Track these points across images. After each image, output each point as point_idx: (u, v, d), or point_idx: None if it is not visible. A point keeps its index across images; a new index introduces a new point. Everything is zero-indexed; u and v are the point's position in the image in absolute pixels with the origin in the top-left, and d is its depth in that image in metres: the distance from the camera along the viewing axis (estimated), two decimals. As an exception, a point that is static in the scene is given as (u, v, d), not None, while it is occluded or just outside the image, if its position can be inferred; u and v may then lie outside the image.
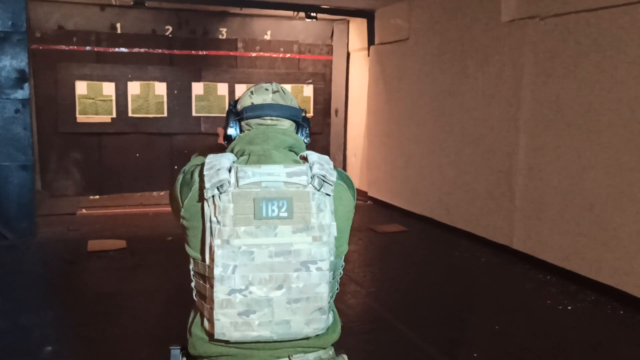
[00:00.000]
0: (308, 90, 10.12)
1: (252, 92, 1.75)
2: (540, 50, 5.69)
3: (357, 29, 9.72)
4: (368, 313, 4.61)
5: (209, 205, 1.47)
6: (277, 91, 1.75)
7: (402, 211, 8.31)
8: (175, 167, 9.68)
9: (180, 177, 1.64)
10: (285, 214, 1.47)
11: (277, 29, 10.01)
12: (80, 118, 8.93)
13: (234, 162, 1.55)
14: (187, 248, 1.60)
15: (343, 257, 1.67)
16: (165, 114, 9.38)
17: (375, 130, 9.06)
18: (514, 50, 6.01)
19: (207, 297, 1.50)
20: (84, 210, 8.16)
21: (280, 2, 8.42)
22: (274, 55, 9.95)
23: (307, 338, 1.55)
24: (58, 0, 8.76)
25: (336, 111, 10.39)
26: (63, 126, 8.91)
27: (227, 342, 1.52)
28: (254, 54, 9.82)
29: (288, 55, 10.02)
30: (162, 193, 9.53)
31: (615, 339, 4.17)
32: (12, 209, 6.50)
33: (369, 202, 9.37)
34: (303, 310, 1.49)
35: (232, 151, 1.65)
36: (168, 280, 5.37)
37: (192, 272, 1.59)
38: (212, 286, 1.46)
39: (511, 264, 5.91)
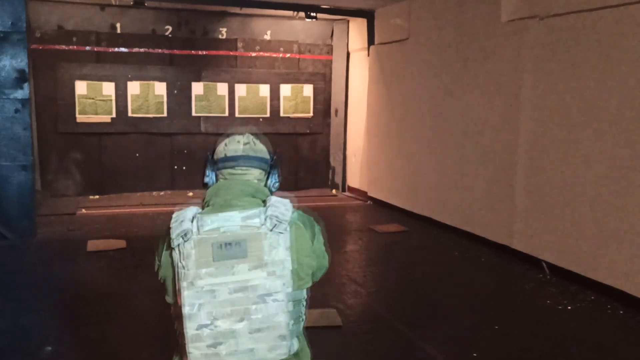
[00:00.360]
0: (308, 90, 10.11)
1: (226, 144, 1.96)
2: (540, 50, 5.68)
3: (357, 29, 9.71)
4: (368, 313, 4.62)
5: (176, 253, 1.70)
6: (248, 143, 1.96)
7: (402, 211, 8.31)
8: (175, 167, 9.69)
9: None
10: (240, 254, 1.67)
11: (277, 28, 10.01)
12: (80, 118, 8.93)
13: (198, 212, 1.76)
14: (166, 297, 1.85)
15: (306, 288, 1.86)
16: (165, 114, 9.38)
17: (375, 130, 9.06)
18: (513, 50, 6.01)
19: (181, 335, 1.71)
20: (83, 210, 8.16)
21: (280, 2, 8.42)
22: (274, 55, 9.95)
23: None
24: (58, 0, 8.77)
25: (336, 111, 10.39)
26: (63, 126, 8.92)
27: None
28: (253, 54, 9.82)
29: (288, 55, 10.02)
30: (162, 193, 9.53)
31: (615, 339, 4.17)
32: (12, 209, 6.50)
33: (368, 202, 9.37)
34: (264, 338, 1.68)
35: (205, 201, 1.88)
36: (168, 280, 5.37)
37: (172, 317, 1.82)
38: (182, 324, 1.68)
39: (511, 264, 5.91)
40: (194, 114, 9.54)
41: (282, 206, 1.78)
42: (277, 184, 2.02)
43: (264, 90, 9.83)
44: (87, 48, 8.97)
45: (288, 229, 1.73)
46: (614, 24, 4.86)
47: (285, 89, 9.95)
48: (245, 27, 9.86)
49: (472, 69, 6.72)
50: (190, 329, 1.66)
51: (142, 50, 9.25)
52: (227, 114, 9.69)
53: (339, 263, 6.05)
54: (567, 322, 4.47)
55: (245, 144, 1.96)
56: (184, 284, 1.67)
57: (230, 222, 1.70)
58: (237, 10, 9.45)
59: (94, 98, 8.96)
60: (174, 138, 9.60)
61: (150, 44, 9.29)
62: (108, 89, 8.99)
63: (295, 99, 10.04)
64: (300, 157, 10.39)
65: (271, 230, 1.70)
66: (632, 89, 4.69)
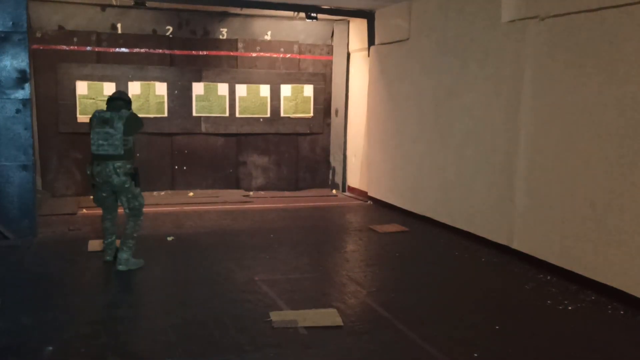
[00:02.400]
0: (308, 90, 10.12)
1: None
2: (540, 50, 5.69)
3: (357, 29, 9.72)
4: (368, 313, 4.62)
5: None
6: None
7: (403, 211, 8.31)
8: (175, 167, 9.69)
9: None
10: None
11: (278, 29, 10.02)
12: (81, 118, 8.93)
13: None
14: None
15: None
16: (166, 114, 9.39)
17: (376, 130, 9.06)
18: (514, 50, 6.01)
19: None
20: (84, 210, 8.17)
21: (281, 2, 8.43)
22: (275, 56, 9.95)
23: None
24: (59, 1, 8.77)
25: (336, 111, 10.39)
26: (64, 126, 8.92)
27: None
28: (254, 54, 9.83)
29: (288, 55, 10.03)
30: (162, 193, 9.53)
31: (616, 339, 4.17)
32: (12, 209, 6.51)
33: (369, 202, 9.37)
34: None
35: None
36: (168, 280, 5.38)
37: None
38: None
39: (511, 264, 5.91)
40: (194, 114, 9.55)
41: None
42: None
43: (265, 90, 9.84)
44: (88, 48, 8.98)
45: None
46: (615, 24, 4.86)
47: (286, 89, 9.96)
48: (246, 28, 9.87)
49: (472, 70, 6.72)
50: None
51: (142, 50, 9.25)
52: (227, 114, 9.70)
53: (339, 263, 6.06)
54: (567, 322, 4.47)
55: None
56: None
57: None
58: (237, 10, 9.46)
59: (94, 98, 8.96)
60: (175, 138, 9.61)
61: (150, 44, 9.30)
62: (109, 89, 8.99)
63: (296, 99, 10.05)
64: (301, 157, 10.39)
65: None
66: (633, 90, 4.69)
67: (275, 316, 4.37)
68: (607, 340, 4.16)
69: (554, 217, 5.51)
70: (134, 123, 5.54)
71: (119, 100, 5.60)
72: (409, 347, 3.97)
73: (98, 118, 5.45)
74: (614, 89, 4.87)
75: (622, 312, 4.63)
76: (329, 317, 4.39)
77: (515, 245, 6.04)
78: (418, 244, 6.88)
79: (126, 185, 5.48)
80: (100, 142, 5.37)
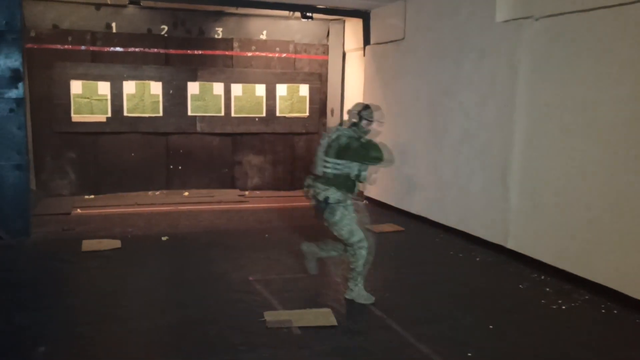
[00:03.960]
0: (304, 89, 10.10)
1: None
2: (535, 50, 5.70)
3: (352, 29, 9.72)
4: (363, 312, 4.61)
5: None
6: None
7: (398, 211, 8.31)
8: (171, 166, 9.67)
9: None
10: None
11: (273, 28, 10.01)
12: (76, 117, 8.92)
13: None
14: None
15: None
16: (161, 114, 9.36)
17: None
18: (509, 50, 6.02)
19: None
20: (79, 210, 8.14)
21: (276, 2, 8.42)
22: (270, 55, 9.94)
23: None
24: (53, 0, 8.75)
25: (332, 111, 10.39)
26: (58, 126, 8.90)
27: None
28: (249, 54, 9.82)
29: (284, 55, 10.02)
30: (157, 193, 9.51)
31: (610, 339, 4.18)
32: (6, 209, 6.48)
33: (365, 201, 9.37)
34: None
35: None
36: (162, 280, 5.37)
37: None
38: None
39: (506, 264, 5.92)
40: (189, 113, 9.53)
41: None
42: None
43: (260, 90, 9.83)
44: (83, 47, 8.95)
45: None
46: (610, 24, 4.88)
47: (281, 89, 9.95)
48: (241, 27, 9.86)
49: (467, 69, 6.72)
50: None
51: (137, 49, 9.23)
52: (223, 113, 9.68)
53: (334, 263, 6.05)
54: (561, 322, 4.48)
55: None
56: None
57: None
58: (233, 10, 9.45)
59: (89, 97, 8.94)
60: (170, 138, 9.59)
61: (146, 43, 9.28)
62: (103, 88, 8.98)
63: (291, 98, 10.04)
64: (296, 157, 10.38)
65: None
66: (627, 90, 4.70)
67: (269, 316, 4.36)
68: (601, 339, 4.16)
69: (548, 217, 5.52)
70: (349, 148, 4.60)
71: (348, 114, 4.87)
72: (403, 346, 3.97)
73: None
74: (608, 89, 4.88)
75: (615, 312, 4.64)
76: (323, 317, 4.38)
77: (510, 245, 6.05)
78: (413, 243, 6.88)
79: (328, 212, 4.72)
80: (315, 157, 4.85)
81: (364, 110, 4.69)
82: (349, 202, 4.75)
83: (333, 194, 4.63)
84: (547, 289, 5.17)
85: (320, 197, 4.65)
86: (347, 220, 4.67)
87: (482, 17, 6.42)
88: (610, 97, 4.85)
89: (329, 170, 4.62)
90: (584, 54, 5.13)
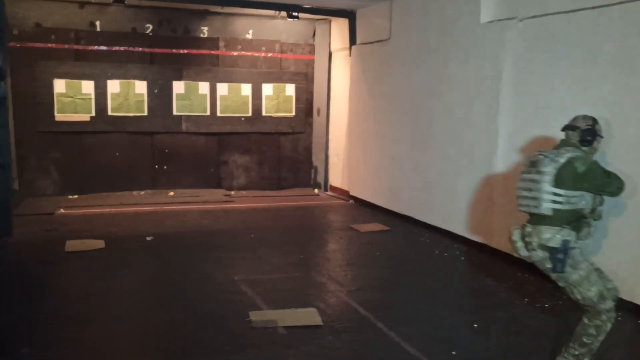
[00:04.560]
0: (290, 89, 10.09)
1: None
2: (519, 51, 5.74)
3: (339, 29, 9.73)
4: (348, 312, 4.62)
5: None
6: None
7: (384, 210, 8.34)
8: (156, 166, 9.61)
9: None
10: None
11: (259, 28, 9.98)
12: (59, 117, 8.83)
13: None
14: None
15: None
16: (146, 113, 9.30)
17: (357, 129, 9.08)
18: (493, 50, 6.06)
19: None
20: (62, 210, 8.06)
21: (262, 1, 8.40)
22: (256, 55, 9.92)
23: None
24: (36, -2, 8.67)
25: (318, 110, 10.39)
26: (41, 125, 8.80)
27: None
28: (235, 53, 9.79)
29: (270, 54, 10.00)
30: (142, 193, 9.45)
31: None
32: (-12, 209, 6.40)
33: (350, 201, 9.38)
34: None
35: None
36: (147, 281, 5.33)
37: None
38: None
39: (490, 262, 5.96)
40: (175, 113, 9.48)
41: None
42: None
43: (246, 89, 9.80)
44: (66, 46, 8.86)
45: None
46: (592, 25, 4.92)
47: (267, 88, 9.93)
48: (227, 26, 9.83)
49: (453, 69, 6.76)
50: None
51: (122, 48, 9.16)
52: (208, 113, 9.64)
53: (320, 262, 6.07)
54: (545, 320, 4.52)
55: None
56: None
57: None
58: (218, 9, 9.41)
59: (72, 96, 8.86)
60: (155, 137, 9.53)
61: (130, 42, 9.21)
62: (87, 87, 8.90)
63: (278, 98, 10.02)
64: (283, 157, 10.37)
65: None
66: (608, 90, 4.75)
67: (254, 316, 4.35)
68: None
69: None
70: (590, 175, 3.49)
71: (569, 130, 3.70)
72: (389, 346, 3.98)
73: (529, 157, 3.73)
74: (590, 89, 4.93)
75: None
76: (308, 316, 4.38)
77: (494, 244, 6.09)
78: (399, 243, 6.90)
79: (547, 266, 3.52)
80: (523, 192, 3.66)
81: (597, 125, 3.67)
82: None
83: (571, 237, 3.46)
84: (531, 288, 5.21)
85: (554, 244, 3.43)
86: (595, 278, 3.47)
87: (467, 17, 6.46)
88: (591, 98, 4.90)
89: (559, 207, 3.47)
90: (566, 54, 5.17)
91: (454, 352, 3.87)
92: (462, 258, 6.19)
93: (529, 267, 5.57)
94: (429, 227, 7.26)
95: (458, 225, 6.71)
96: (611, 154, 4.70)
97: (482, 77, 6.24)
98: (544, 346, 4.02)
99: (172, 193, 9.51)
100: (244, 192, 9.98)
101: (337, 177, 10.12)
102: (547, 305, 4.80)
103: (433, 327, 4.31)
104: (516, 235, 3.68)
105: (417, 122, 7.51)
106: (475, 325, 4.36)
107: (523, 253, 3.63)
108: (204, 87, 9.57)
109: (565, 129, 3.70)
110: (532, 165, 3.59)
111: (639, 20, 4.54)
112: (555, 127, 5.26)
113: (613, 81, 4.73)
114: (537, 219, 3.55)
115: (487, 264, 5.96)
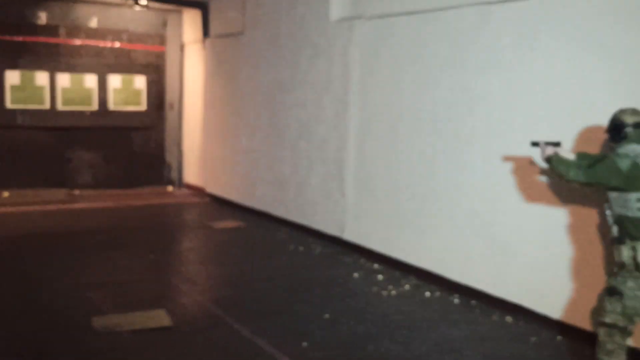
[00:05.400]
0: (140, 81, 9.62)
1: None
2: (365, 49, 5.94)
3: (191, 20, 9.46)
4: (200, 311, 4.50)
5: None
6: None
7: (241, 207, 8.25)
8: (-13, 164, 8.66)
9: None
10: None
11: (105, 16, 9.38)
12: None
13: None
14: None
15: None
16: (-27, 105, 8.36)
17: (213, 124, 8.89)
18: (342, 48, 6.22)
19: None
20: None
21: (107, -13, 7.91)
22: (101, 44, 9.31)
23: None
24: None
25: (171, 105, 10.03)
26: None
27: None
28: (78, 42, 9.11)
29: (117, 44, 9.45)
30: (-30, 194, 8.48)
31: (432, 318, 4.49)
32: None
33: (206, 198, 9.18)
34: None
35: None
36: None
37: None
38: None
39: (342, 254, 6.13)
40: (8, 105, 8.61)
41: None
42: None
43: (91, 80, 9.17)
44: None
45: None
46: (424, 28, 5.23)
47: (115, 80, 9.38)
48: (69, 13, 9.12)
49: (304, 66, 6.84)
50: None
51: (-58, 32, 8.14)
52: (48, 106, 8.89)
53: (172, 262, 5.86)
54: (392, 306, 4.73)
55: None
56: None
57: None
58: (58, -7, 8.71)
59: None
60: (-16, 132, 8.60)
61: (-48, 25, 8.22)
62: None
63: (126, 90, 9.50)
64: (133, 153, 9.86)
65: None
66: (444, 88, 5.08)
67: (97, 321, 4.08)
68: (426, 319, 4.46)
69: (380, 208, 5.80)
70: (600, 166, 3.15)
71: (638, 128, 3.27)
72: (240, 342, 3.93)
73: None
74: (429, 87, 5.23)
75: (438, 294, 5.01)
76: (156, 318, 4.19)
77: (346, 236, 6.28)
78: (254, 239, 6.87)
79: None
80: None
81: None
82: None
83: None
84: (380, 277, 5.44)
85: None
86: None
87: (317, 14, 6.56)
88: (430, 95, 5.21)
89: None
90: (407, 56, 5.44)
91: (304, 343, 3.91)
92: (317, 251, 6.30)
93: (378, 257, 5.82)
94: (285, 222, 7.31)
95: (312, 219, 6.81)
96: (441, 147, 5.03)
97: (331, 74, 6.38)
98: (390, 330, 4.20)
99: (6, 194, 8.64)
100: (91, 191, 9.34)
101: (192, 174, 9.85)
102: (393, 292, 5.03)
103: (286, 320, 4.34)
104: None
105: (270, 118, 7.52)
106: (327, 315, 4.45)
107: None
108: (42, 78, 8.80)
109: (615, 123, 3.28)
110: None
111: (465, 25, 4.88)
112: (398, 125, 5.56)
113: (447, 86, 5.04)
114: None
115: (339, 255, 6.10)
